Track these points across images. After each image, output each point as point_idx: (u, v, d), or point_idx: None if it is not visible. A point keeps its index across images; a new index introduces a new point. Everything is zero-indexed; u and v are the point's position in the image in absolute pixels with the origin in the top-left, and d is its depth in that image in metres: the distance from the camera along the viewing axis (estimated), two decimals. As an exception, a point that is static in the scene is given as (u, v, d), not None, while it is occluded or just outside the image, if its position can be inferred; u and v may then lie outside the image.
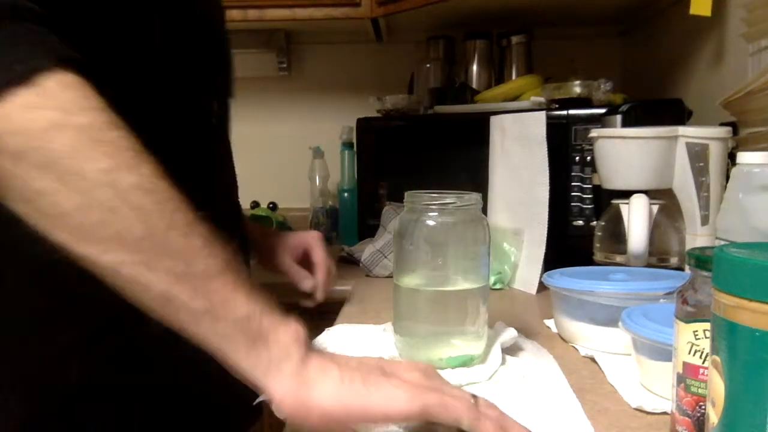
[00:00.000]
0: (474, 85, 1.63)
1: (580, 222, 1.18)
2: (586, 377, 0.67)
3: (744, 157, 0.73)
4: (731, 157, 0.92)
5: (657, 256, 0.94)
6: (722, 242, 0.73)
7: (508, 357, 0.71)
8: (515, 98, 1.44)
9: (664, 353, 0.56)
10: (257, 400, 0.65)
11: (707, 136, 0.92)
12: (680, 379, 0.48)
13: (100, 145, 0.42)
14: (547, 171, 1.06)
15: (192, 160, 0.62)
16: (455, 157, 1.35)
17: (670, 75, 1.46)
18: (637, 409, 0.58)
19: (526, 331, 0.80)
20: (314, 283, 0.83)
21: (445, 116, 1.47)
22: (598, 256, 0.99)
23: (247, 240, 0.79)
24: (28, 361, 0.54)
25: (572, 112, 1.20)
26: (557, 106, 1.27)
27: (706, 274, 0.46)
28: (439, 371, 0.52)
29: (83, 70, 0.44)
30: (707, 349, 0.45)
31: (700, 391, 0.47)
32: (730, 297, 0.35)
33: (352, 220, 1.58)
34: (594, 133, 1.00)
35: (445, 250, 0.67)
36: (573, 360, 0.72)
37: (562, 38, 1.76)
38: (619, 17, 1.69)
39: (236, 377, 0.47)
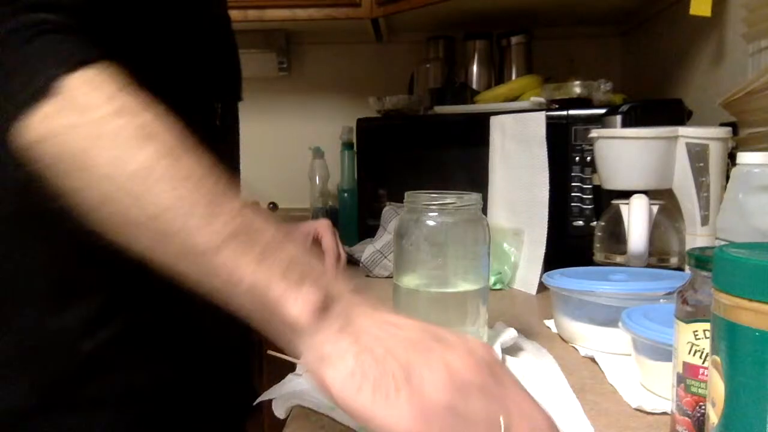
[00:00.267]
0: (474, 85, 1.63)
1: (580, 222, 1.18)
2: (586, 377, 0.67)
3: (744, 158, 0.73)
4: (731, 157, 0.92)
5: (657, 257, 0.94)
6: (722, 242, 0.73)
7: (508, 357, 0.71)
8: (515, 98, 1.44)
9: (664, 353, 0.56)
10: (257, 401, 0.66)
11: (707, 136, 0.92)
12: (680, 379, 0.48)
13: (113, 137, 0.43)
14: (547, 171, 1.06)
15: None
16: (455, 157, 1.35)
17: (670, 75, 1.46)
18: (637, 410, 0.58)
19: (526, 331, 0.80)
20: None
21: (445, 116, 1.46)
22: (598, 256, 0.99)
23: None
24: (41, 334, 0.56)
25: (572, 112, 1.20)
26: (557, 106, 1.26)
27: (706, 274, 0.46)
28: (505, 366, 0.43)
29: (105, 62, 0.45)
30: (707, 349, 0.45)
31: (700, 391, 0.47)
32: (730, 297, 0.35)
33: (352, 220, 1.58)
34: (594, 133, 1.00)
35: (445, 250, 0.67)
36: (573, 360, 0.72)
37: (562, 38, 1.76)
38: (619, 17, 1.69)
39: (235, 375, 0.47)
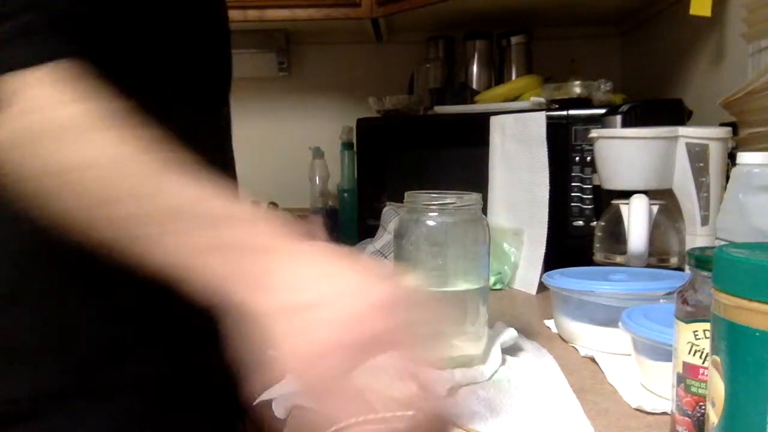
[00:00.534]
0: (474, 85, 1.63)
1: (580, 222, 1.18)
2: (586, 377, 0.67)
3: (744, 158, 0.73)
4: (731, 157, 0.92)
5: (657, 257, 0.94)
6: (722, 242, 0.73)
7: (508, 357, 0.71)
8: (515, 98, 1.44)
9: (664, 353, 0.56)
10: (256, 401, 0.66)
11: (707, 137, 0.92)
12: (680, 379, 0.48)
13: (60, 131, 0.45)
14: (547, 171, 1.06)
15: (204, 163, 0.64)
16: (455, 157, 1.35)
17: (670, 75, 1.46)
18: (637, 410, 0.58)
19: (526, 331, 0.80)
20: None
21: (445, 116, 1.46)
22: (598, 256, 0.99)
23: None
24: (63, 322, 0.57)
25: (572, 112, 1.19)
26: (557, 106, 1.26)
27: (706, 274, 0.46)
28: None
29: (70, 59, 0.47)
30: (707, 349, 0.45)
31: (700, 391, 0.47)
32: (730, 297, 0.35)
33: (352, 220, 1.58)
34: (594, 133, 1.00)
35: (445, 250, 0.67)
36: (573, 360, 0.72)
37: (562, 38, 1.76)
38: (619, 17, 1.69)
39: (234, 373, 0.48)
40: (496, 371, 0.67)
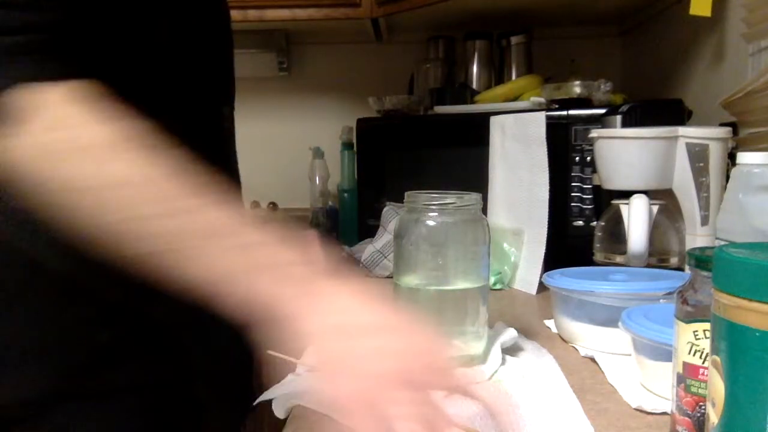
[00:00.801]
0: (474, 85, 1.63)
1: (580, 222, 1.18)
2: (586, 377, 0.67)
3: (744, 158, 0.73)
4: (731, 158, 0.92)
5: (657, 257, 0.94)
6: (722, 242, 0.73)
7: (508, 357, 0.71)
8: (515, 98, 1.44)
9: (664, 353, 0.56)
10: (257, 401, 0.66)
11: (707, 137, 0.92)
12: (680, 379, 0.48)
13: (85, 151, 0.46)
14: (547, 171, 1.06)
15: (206, 164, 0.64)
16: (455, 157, 1.35)
17: (670, 75, 1.46)
18: (637, 409, 0.58)
19: (526, 331, 0.80)
20: None
21: (445, 116, 1.46)
22: (598, 256, 0.99)
23: None
24: (60, 324, 0.57)
25: (572, 112, 1.19)
26: (557, 106, 1.26)
27: (706, 274, 0.46)
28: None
29: (84, 78, 0.48)
30: (707, 349, 0.45)
31: (700, 391, 0.47)
32: (730, 297, 0.35)
33: (352, 220, 1.58)
34: (594, 133, 1.00)
35: (445, 250, 0.67)
36: (573, 360, 0.72)
37: (562, 38, 1.76)
38: (619, 17, 1.69)
39: (235, 375, 0.49)
40: (496, 371, 0.67)
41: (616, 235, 0.96)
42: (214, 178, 0.47)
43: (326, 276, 0.47)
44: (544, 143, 1.06)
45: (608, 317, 0.72)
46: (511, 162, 1.13)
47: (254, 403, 0.68)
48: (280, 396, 0.62)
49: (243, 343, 0.73)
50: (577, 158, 1.18)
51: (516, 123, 1.13)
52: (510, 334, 0.73)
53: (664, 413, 0.56)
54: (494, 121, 1.19)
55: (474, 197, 0.68)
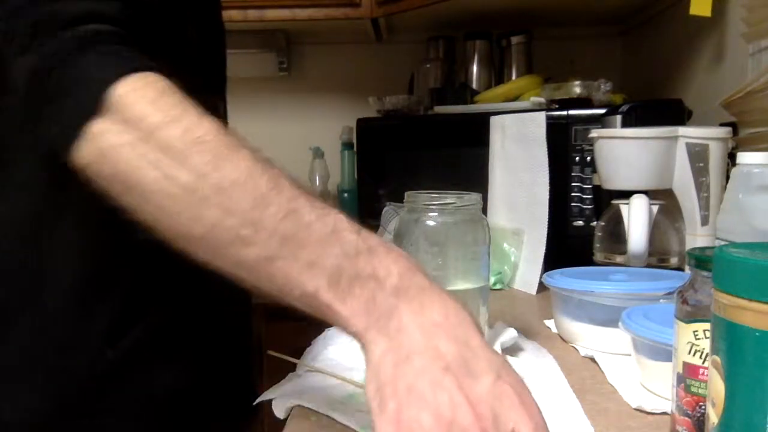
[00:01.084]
0: (474, 85, 1.63)
1: (580, 222, 1.18)
2: (586, 377, 0.67)
3: (744, 158, 0.73)
4: (731, 157, 0.92)
5: (657, 256, 0.94)
6: (722, 242, 0.73)
7: (508, 357, 0.71)
8: (515, 98, 1.44)
9: (664, 353, 0.56)
10: (257, 401, 0.66)
11: (707, 136, 0.92)
12: (680, 379, 0.48)
13: (161, 152, 0.43)
14: (547, 171, 1.06)
15: None
16: (455, 157, 1.35)
17: (670, 75, 1.46)
18: (637, 409, 0.58)
19: (526, 331, 0.80)
20: None
21: (445, 116, 1.46)
22: (598, 256, 0.99)
23: None
24: (64, 341, 0.56)
25: (572, 112, 1.19)
26: (557, 106, 1.27)
27: (706, 274, 0.46)
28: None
29: (156, 71, 0.45)
30: (707, 349, 0.45)
31: (700, 391, 0.47)
32: (730, 297, 0.35)
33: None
34: (594, 133, 1.00)
35: (445, 250, 0.67)
36: (573, 360, 0.72)
37: (562, 38, 1.76)
38: (619, 17, 1.69)
39: (235, 376, 0.48)
40: (496, 371, 0.66)
41: (616, 235, 0.96)
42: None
43: (418, 283, 0.42)
44: (544, 143, 1.06)
45: (608, 317, 0.72)
46: (511, 162, 1.13)
47: (254, 403, 0.68)
48: (280, 396, 0.62)
49: (241, 342, 0.73)
50: (577, 158, 1.18)
51: (516, 123, 1.13)
52: (510, 334, 0.73)
53: (664, 413, 0.56)
54: (494, 121, 1.19)
55: (474, 197, 0.68)
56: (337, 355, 0.70)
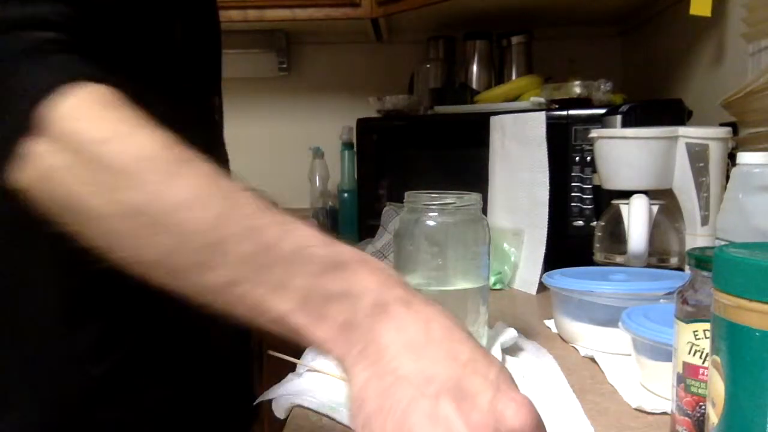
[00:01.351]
0: (474, 85, 1.63)
1: (580, 222, 1.18)
2: (586, 377, 0.67)
3: (744, 158, 0.73)
4: (731, 157, 0.92)
5: (657, 256, 0.94)
6: (722, 242, 0.73)
7: (508, 357, 0.71)
8: (515, 98, 1.44)
9: (664, 353, 0.56)
10: (257, 401, 0.66)
11: (707, 137, 0.92)
12: (680, 379, 0.48)
13: (103, 172, 0.39)
14: (547, 171, 1.06)
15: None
16: (455, 157, 1.35)
17: (670, 75, 1.46)
18: (637, 409, 0.58)
19: (526, 331, 0.80)
20: None
21: (445, 116, 1.46)
22: (598, 256, 0.99)
23: None
24: (51, 359, 0.54)
25: (572, 112, 1.19)
26: (557, 106, 1.26)
27: (706, 274, 0.46)
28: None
29: (101, 81, 0.42)
30: (707, 349, 0.45)
31: (700, 391, 0.47)
32: (730, 297, 0.35)
33: (352, 221, 1.58)
34: (594, 133, 1.00)
35: (445, 250, 0.67)
36: (573, 360, 0.72)
37: (562, 38, 1.76)
38: (619, 17, 1.69)
39: (236, 379, 0.47)
40: (496, 371, 0.66)
41: (616, 235, 0.96)
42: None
43: (400, 297, 0.39)
44: (544, 143, 1.06)
45: (608, 317, 0.72)
46: (511, 162, 1.13)
47: (254, 403, 0.68)
48: (280, 396, 0.62)
49: (240, 347, 0.73)
50: (577, 158, 1.18)
51: (516, 123, 1.13)
52: (510, 334, 0.73)
53: (664, 413, 0.56)
54: (494, 121, 1.19)
55: (474, 197, 0.68)
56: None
